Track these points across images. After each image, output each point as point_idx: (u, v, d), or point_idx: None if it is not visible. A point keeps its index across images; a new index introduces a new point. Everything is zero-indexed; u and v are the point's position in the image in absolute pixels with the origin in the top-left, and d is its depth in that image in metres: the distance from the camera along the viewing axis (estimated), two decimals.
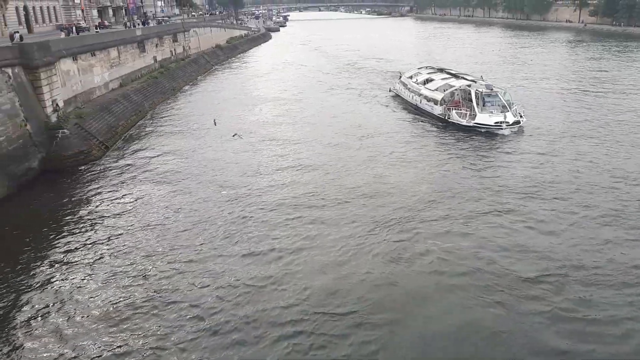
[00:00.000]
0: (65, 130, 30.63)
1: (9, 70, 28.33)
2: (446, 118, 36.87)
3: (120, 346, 14.14)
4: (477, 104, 35.70)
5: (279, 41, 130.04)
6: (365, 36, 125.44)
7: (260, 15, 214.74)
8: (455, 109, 36.76)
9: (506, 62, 71.15)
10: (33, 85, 30.43)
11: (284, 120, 39.83)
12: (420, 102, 40.86)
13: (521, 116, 35.65)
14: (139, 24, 67.05)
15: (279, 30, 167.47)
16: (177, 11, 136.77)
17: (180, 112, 45.39)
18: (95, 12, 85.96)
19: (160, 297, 16.32)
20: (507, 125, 34.15)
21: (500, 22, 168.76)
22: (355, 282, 16.57)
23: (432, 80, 42.91)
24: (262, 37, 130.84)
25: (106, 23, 74.66)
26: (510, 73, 60.42)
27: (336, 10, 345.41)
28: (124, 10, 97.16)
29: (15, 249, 19.86)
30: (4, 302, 16.34)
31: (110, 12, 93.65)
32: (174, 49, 67.39)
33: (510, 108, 35.50)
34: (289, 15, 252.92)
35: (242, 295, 16.20)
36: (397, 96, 47.24)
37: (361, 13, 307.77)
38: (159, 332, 14.63)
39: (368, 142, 33.04)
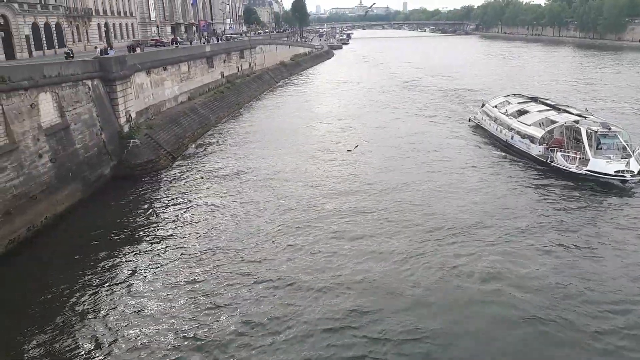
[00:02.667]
0: (136, 140, 32.17)
1: (89, 83, 30.21)
2: (548, 161, 30.29)
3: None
4: (590, 146, 28.76)
5: (341, 59, 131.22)
6: (430, 54, 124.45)
7: (324, 33, 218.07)
8: (559, 150, 30.17)
9: (589, 83, 67.20)
10: (109, 96, 32.29)
11: (341, 142, 38.31)
12: (512, 138, 34.68)
13: None
14: (208, 41, 69.93)
15: (342, 48, 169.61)
16: (244, 28, 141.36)
17: (243, 126, 46.43)
18: (169, 29, 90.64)
19: (216, 298, 16.83)
20: (631, 176, 27.04)
21: (572, 41, 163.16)
22: None
23: (526, 112, 36.75)
24: (325, 55, 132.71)
25: (178, 39, 78.65)
26: (593, 95, 56.73)
27: (400, 28, 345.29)
28: (195, 28, 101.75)
29: (87, 249, 21.01)
30: (76, 296, 17.44)
31: (183, 29, 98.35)
32: (240, 65, 69.28)
33: (632, 153, 28.57)
34: (352, 33, 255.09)
35: (312, 300, 16.69)
36: (478, 127, 41.70)
37: (425, 31, 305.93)
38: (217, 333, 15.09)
39: (443, 180, 28.43)
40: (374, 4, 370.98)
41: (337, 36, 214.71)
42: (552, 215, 23.55)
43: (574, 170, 28.42)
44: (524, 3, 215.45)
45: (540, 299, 16.50)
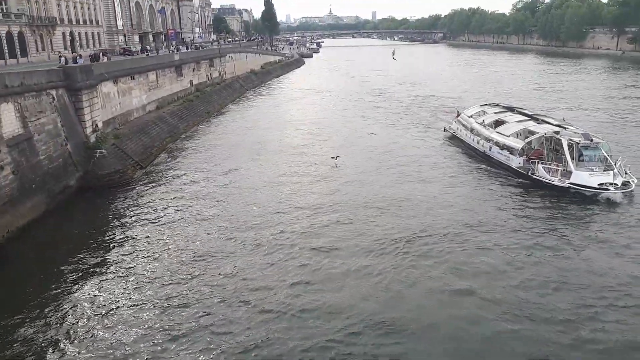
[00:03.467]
0: (103, 150, 31.57)
1: (54, 92, 29.56)
2: (528, 173, 29.30)
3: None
4: (572, 158, 28.04)
5: (312, 67, 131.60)
6: (399, 62, 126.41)
7: (295, 41, 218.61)
8: (540, 162, 29.30)
9: (553, 90, 68.51)
10: (75, 106, 31.60)
11: (312, 151, 37.94)
12: (490, 150, 33.76)
13: (628, 174, 27.95)
14: (177, 49, 69.53)
15: (312, 57, 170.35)
16: (214, 37, 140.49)
17: (213, 135, 46.13)
18: (136, 38, 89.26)
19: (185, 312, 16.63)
20: (615, 189, 26.41)
21: (535, 48, 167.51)
22: None
23: (503, 122, 35.77)
24: (295, 63, 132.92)
25: (148, 48, 77.45)
26: (562, 103, 57.24)
27: (369, 37, 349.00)
28: (163, 36, 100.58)
29: (51, 263, 20.42)
30: (37, 310, 16.93)
31: (151, 37, 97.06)
32: (210, 74, 68.93)
33: (614, 164, 28.04)
34: (322, 42, 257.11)
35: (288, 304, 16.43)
36: (454, 137, 40.73)
37: (394, 40, 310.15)
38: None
39: (421, 193, 27.43)
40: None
41: (307, 45, 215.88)
42: (538, 228, 22.87)
43: (556, 183, 27.54)
44: (489, 12, 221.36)
45: (511, 314, 16.22)
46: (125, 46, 76.33)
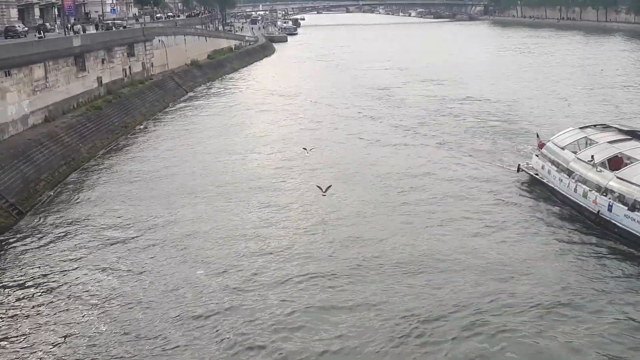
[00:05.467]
0: None
1: None
2: None
3: None
4: None
5: (285, 56, 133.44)
6: (419, 51, 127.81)
7: (260, 18, 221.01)
8: None
9: None
10: None
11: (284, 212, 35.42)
12: (611, 209, 30.10)
13: None
14: (78, 31, 68.87)
15: (287, 41, 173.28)
16: (135, 12, 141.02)
17: (135, 160, 45.92)
18: (14, 12, 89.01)
19: None
20: None
21: (623, 27, 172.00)
22: None
23: (631, 159, 31.96)
24: (260, 51, 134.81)
25: (48, 26, 77.19)
26: None
27: (372, 11, 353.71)
28: (55, 10, 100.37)
29: None
30: None
31: (37, 11, 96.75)
32: (129, 67, 69.10)
33: None
34: (302, 19, 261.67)
35: None
36: (536, 183, 38.44)
37: (409, 15, 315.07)
38: None
39: (487, 290, 24.68)
40: None
41: (279, 23, 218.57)
42: None
43: None
44: None
45: None
46: (9, 25, 74.98)
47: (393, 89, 76.10)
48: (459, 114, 60.60)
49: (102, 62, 61.67)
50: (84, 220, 33.10)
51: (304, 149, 44.06)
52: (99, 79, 60.17)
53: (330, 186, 35.07)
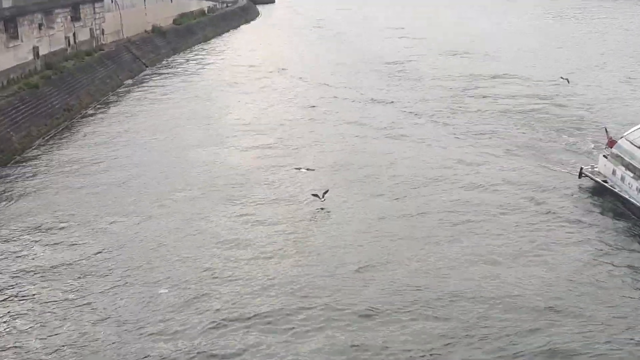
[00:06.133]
0: None
1: None
2: None
3: None
4: None
5: (272, 21, 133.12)
6: (439, 17, 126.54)
7: None
8: None
9: None
10: None
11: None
12: None
13: None
14: None
15: (274, 2, 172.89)
16: None
17: (78, 155, 44.43)
18: None
19: None
20: None
21: None
22: None
23: None
24: (240, 14, 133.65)
25: None
26: None
27: None
28: None
29: None
30: None
31: None
32: (74, 35, 68.22)
33: None
34: None
35: None
36: (604, 190, 37.72)
37: None
38: None
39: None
40: None
41: None
42: None
43: None
44: None
45: None
46: None
47: (407, 63, 74.69)
48: (493, 95, 59.47)
49: (39, 29, 60.03)
50: (15, 230, 31.87)
51: (298, 169, 39.00)
52: (35, 50, 58.87)
53: (327, 191, 34.87)
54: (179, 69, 79.46)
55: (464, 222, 32.39)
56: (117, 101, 62.28)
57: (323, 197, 35.39)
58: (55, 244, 31.45)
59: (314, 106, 57.55)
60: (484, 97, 58.63)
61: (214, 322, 24.82)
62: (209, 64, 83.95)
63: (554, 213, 33.91)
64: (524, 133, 47.63)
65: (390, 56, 79.40)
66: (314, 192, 35.51)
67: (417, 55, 79.17)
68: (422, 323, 23.87)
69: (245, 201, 35.75)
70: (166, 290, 27.56)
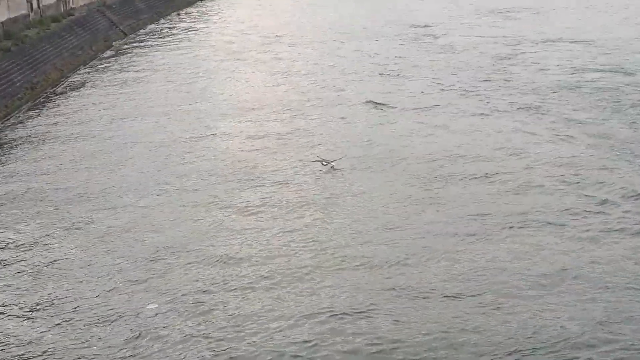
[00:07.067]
0: None
1: None
2: None
3: None
4: None
5: None
6: None
7: None
8: None
9: None
10: None
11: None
12: None
13: None
14: None
15: None
16: None
17: (45, 144, 43.25)
18: None
19: None
20: None
21: None
22: None
23: None
24: None
25: None
26: None
27: None
28: None
29: None
30: None
31: None
32: None
33: None
34: None
35: None
36: None
37: None
38: None
39: None
40: None
41: None
42: None
43: None
44: None
45: None
46: None
47: (436, 26, 72.91)
48: (545, 65, 56.85)
49: None
50: None
51: (322, 161, 35.71)
52: None
53: (341, 158, 35.29)
54: (166, 38, 78.66)
55: (513, 237, 27.86)
56: (90, 77, 60.76)
57: (333, 163, 35.00)
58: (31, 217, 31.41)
59: (324, 80, 56.37)
60: (533, 66, 56.16)
61: None
62: (200, 30, 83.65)
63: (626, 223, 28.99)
64: (588, 115, 43.96)
65: (414, 17, 78.29)
66: (320, 159, 35.71)
67: (445, 16, 78.51)
68: None
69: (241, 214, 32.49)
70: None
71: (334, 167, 35.23)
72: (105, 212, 34.25)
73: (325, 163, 35.48)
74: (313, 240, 30.40)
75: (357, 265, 28.36)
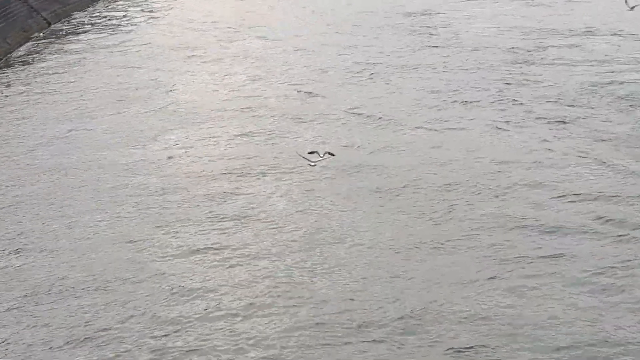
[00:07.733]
0: None
1: None
2: None
3: None
4: None
5: None
6: None
7: None
8: None
9: None
10: None
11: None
12: None
13: None
14: None
15: None
16: None
17: None
18: None
19: None
20: None
21: None
22: None
23: None
24: None
25: None
26: None
27: None
28: None
29: None
30: None
31: None
32: None
33: None
34: None
35: None
36: None
37: None
38: None
39: None
40: None
41: None
42: None
43: None
44: None
45: None
46: None
47: (439, 14, 70.63)
48: (572, 62, 54.84)
49: None
50: None
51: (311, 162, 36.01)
52: None
53: (328, 152, 35.50)
54: (101, 27, 76.13)
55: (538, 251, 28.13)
56: (6, 77, 58.48)
57: (322, 157, 35.14)
58: None
59: (300, 82, 54.15)
60: (559, 64, 53.63)
61: None
62: (146, 16, 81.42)
63: None
64: (624, 122, 42.57)
65: (411, 4, 76.08)
66: (306, 153, 35.77)
67: (453, 2, 76.13)
68: None
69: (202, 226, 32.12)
70: None
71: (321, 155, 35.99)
72: None
73: (312, 164, 36.30)
74: None
75: None
